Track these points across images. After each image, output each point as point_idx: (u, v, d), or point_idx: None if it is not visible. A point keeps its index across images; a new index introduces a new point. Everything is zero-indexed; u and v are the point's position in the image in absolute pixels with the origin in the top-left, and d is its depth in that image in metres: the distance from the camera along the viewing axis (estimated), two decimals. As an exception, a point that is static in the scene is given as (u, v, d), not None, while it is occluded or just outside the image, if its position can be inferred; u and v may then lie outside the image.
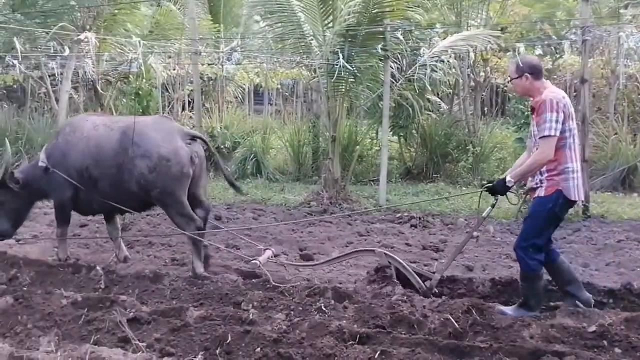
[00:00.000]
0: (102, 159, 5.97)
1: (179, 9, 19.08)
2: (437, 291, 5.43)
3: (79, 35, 11.94)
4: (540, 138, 4.76)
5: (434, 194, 10.94)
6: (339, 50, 9.57)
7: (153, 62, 12.13)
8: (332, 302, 5.08)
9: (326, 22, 9.99)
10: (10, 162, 6.38)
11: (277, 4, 10.49)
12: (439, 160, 12.53)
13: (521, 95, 5.27)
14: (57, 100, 16.98)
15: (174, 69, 17.31)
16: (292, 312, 4.89)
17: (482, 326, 4.46)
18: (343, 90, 10.21)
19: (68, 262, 6.37)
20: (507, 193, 5.08)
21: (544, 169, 4.85)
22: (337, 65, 9.47)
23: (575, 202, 4.95)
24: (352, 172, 10.88)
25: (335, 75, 9.61)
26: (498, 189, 5.06)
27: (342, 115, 10.47)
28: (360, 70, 9.84)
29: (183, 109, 17.36)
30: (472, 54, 12.47)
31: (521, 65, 4.97)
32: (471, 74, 13.73)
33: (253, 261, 6.02)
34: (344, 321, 4.63)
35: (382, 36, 9.94)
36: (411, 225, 8.84)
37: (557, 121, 4.67)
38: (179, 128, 6.17)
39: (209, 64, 16.95)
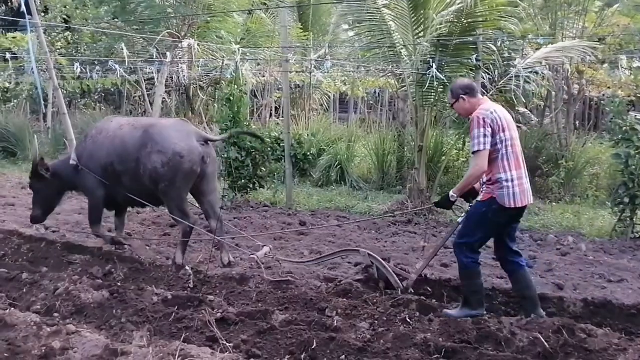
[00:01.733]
0: (125, 154, 6.46)
1: (269, 17, 19.49)
2: (412, 291, 5.66)
3: (181, 42, 12.37)
4: (472, 153, 5.07)
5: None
6: (430, 59, 9.47)
7: (246, 69, 12.40)
8: (417, 314, 5.03)
9: (417, 31, 9.91)
10: (37, 153, 6.98)
11: (367, 13, 10.51)
12: (528, 174, 12.13)
13: (466, 117, 5.53)
14: (151, 103, 17.68)
15: (263, 76, 17.66)
16: (376, 322, 4.87)
17: (574, 348, 4.29)
18: (432, 100, 10.10)
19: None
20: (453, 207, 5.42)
21: (484, 179, 5.15)
22: (427, 75, 9.38)
23: (515, 208, 5.08)
24: (438, 183, 10.72)
25: (427, 84, 9.49)
26: (442, 204, 5.44)
27: (430, 125, 10.34)
28: (451, 80, 9.69)
29: (271, 115, 17.69)
30: (567, 66, 12.05)
31: (455, 90, 5.32)
32: (565, 87, 13.27)
33: (251, 256, 6.48)
34: (429, 334, 4.57)
35: (474, 46, 9.77)
36: (499, 240, 8.60)
37: (485, 136, 4.94)
38: (195, 130, 6.64)
39: (297, 72, 17.18)
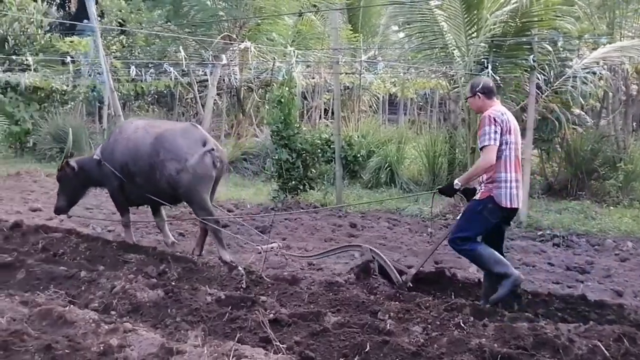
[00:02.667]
0: (137, 157, 6.85)
1: (319, 19, 19.54)
2: (411, 285, 5.84)
3: (238, 44, 12.59)
4: (481, 148, 5.33)
5: (579, 212, 10.32)
6: (485, 60, 9.33)
7: (297, 70, 12.46)
8: (471, 318, 4.94)
9: (470, 31, 9.79)
10: (69, 153, 7.54)
11: (419, 14, 10.43)
12: (584, 176, 11.84)
13: (477, 112, 5.96)
14: (202, 105, 17.94)
15: (313, 78, 17.72)
16: (429, 326, 4.80)
17: (636, 357, 4.14)
18: (485, 101, 9.92)
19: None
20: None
21: (483, 178, 5.40)
22: (481, 75, 9.24)
23: (508, 208, 5.33)
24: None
25: (481, 86, 9.35)
26: (446, 190, 5.68)
27: (482, 126, 10.17)
28: (504, 81, 9.52)
29: (320, 117, 17.73)
30: (626, 66, 11.71)
31: (474, 86, 5.61)
32: (623, 87, 12.89)
33: (257, 247, 6.83)
34: (484, 339, 4.47)
35: (529, 46, 9.57)
36: (554, 244, 8.42)
37: (495, 132, 5.23)
38: (204, 136, 6.86)
39: (346, 73, 17.17)
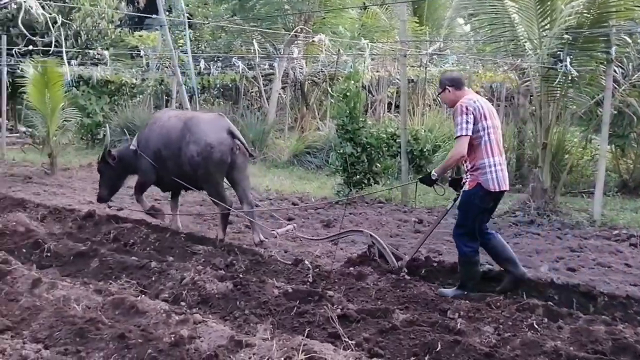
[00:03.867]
0: (169, 142, 7.35)
1: (384, 12, 19.36)
2: (406, 270, 6.04)
3: (313, 37, 12.68)
4: (455, 138, 5.45)
5: (657, 211, 9.87)
6: (560, 52, 8.99)
7: (364, 64, 12.38)
8: (545, 320, 4.77)
9: (543, 23, 9.44)
10: (109, 143, 7.89)
11: (489, 5, 10.15)
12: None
13: (450, 107, 5.93)
14: (267, 99, 18.06)
15: (377, 71, 17.58)
16: (501, 326, 4.68)
17: None
18: (558, 95, 9.60)
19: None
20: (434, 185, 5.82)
21: (468, 167, 5.52)
22: (557, 69, 8.92)
23: (497, 192, 5.45)
24: (562, 183, 10.19)
25: (558, 79, 9.02)
26: (426, 181, 5.85)
27: (554, 121, 9.84)
28: (580, 75, 9.16)
29: (384, 110, 17.58)
30: None
31: (442, 81, 5.74)
32: None
33: (272, 232, 7.30)
34: (559, 342, 4.32)
35: (605, 38, 9.17)
36: (631, 244, 8.07)
37: (467, 122, 5.29)
38: (228, 124, 7.32)
39: (412, 66, 16.96)
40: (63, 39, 13.41)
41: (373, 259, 6.35)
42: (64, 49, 11.83)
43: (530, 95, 12.24)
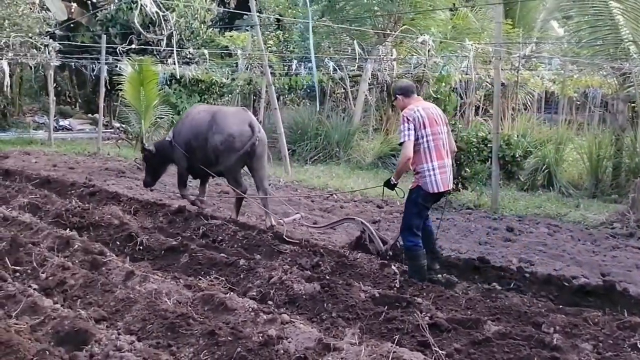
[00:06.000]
0: (198, 134, 8.05)
1: (474, 13, 18.93)
2: (390, 254, 6.59)
3: (417, 38, 12.67)
4: (399, 144, 5.90)
5: None
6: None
7: (455, 67, 12.14)
8: (651, 341, 4.46)
9: (650, 25, 8.96)
10: (143, 137, 8.69)
11: (591, 7, 9.71)
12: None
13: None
14: (353, 99, 18.01)
15: (467, 74, 17.19)
16: (600, 344, 4.42)
17: None
18: (663, 102, 9.08)
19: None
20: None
21: (412, 170, 5.95)
22: None
23: (437, 193, 5.89)
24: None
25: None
26: (387, 184, 6.19)
27: (658, 129, 9.30)
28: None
29: (473, 114, 17.19)
30: None
31: (394, 89, 6.46)
32: None
33: (279, 220, 7.75)
34: (666, 366, 4.03)
35: None
36: None
37: (408, 129, 5.73)
38: (250, 118, 8.03)
39: (503, 69, 16.49)
40: (166, 37, 13.91)
41: (364, 243, 6.94)
42: (170, 47, 12.25)
43: (631, 102, 11.65)
